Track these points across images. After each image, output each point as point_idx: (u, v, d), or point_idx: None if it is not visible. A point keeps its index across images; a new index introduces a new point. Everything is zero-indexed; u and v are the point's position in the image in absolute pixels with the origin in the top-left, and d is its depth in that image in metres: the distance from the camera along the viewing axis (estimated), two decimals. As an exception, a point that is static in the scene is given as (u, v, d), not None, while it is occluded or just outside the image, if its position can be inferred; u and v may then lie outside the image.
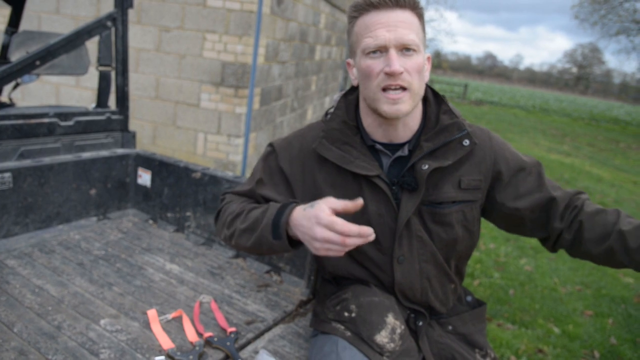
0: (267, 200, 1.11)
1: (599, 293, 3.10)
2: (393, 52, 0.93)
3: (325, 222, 0.85)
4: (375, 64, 0.94)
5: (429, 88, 1.08)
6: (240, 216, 1.07)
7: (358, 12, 0.96)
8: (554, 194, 1.03)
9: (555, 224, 1.02)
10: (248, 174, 4.39)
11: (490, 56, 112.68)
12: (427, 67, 1.03)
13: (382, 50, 0.94)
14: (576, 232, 1.00)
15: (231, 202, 1.15)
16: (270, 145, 1.14)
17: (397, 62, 0.92)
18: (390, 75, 0.92)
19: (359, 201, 0.88)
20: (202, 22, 4.03)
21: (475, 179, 1.02)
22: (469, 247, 1.08)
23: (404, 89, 0.94)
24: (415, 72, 0.94)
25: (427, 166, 0.99)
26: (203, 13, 4.01)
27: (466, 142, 1.00)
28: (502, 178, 1.04)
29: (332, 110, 1.10)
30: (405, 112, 0.95)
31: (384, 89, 0.94)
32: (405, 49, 0.93)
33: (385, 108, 0.95)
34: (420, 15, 0.97)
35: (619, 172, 8.00)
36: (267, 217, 0.98)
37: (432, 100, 1.06)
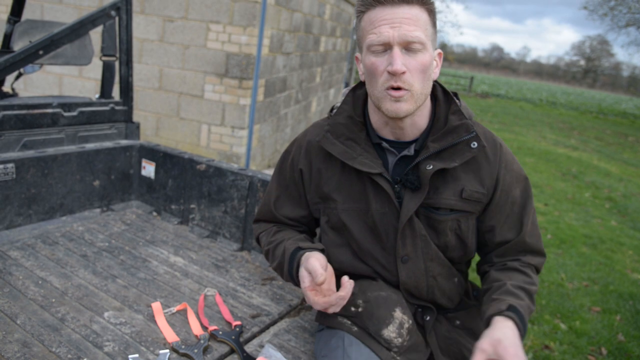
0: (289, 218, 1.19)
1: (606, 289, 3.07)
2: (397, 50, 0.90)
3: (308, 298, 0.99)
4: (379, 62, 0.92)
5: (439, 86, 1.05)
6: (268, 255, 1.18)
7: (364, 6, 0.94)
8: (508, 238, 1.04)
9: (485, 259, 1.11)
10: (252, 167, 4.38)
11: (496, 48, 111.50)
12: (438, 63, 1.00)
13: (386, 47, 0.91)
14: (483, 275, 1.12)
15: (261, 234, 1.24)
16: (284, 152, 1.19)
17: (400, 61, 0.89)
18: (392, 74, 0.90)
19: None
20: (206, 12, 3.98)
21: (479, 191, 1.00)
22: (461, 257, 1.06)
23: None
24: (418, 72, 0.92)
25: (431, 166, 0.97)
26: (207, 3, 3.96)
27: (474, 145, 0.97)
28: (493, 198, 1.02)
29: (338, 104, 1.08)
30: (406, 112, 0.94)
31: (388, 88, 0.93)
32: (410, 46, 0.90)
33: (388, 106, 0.94)
34: (430, 11, 0.94)
35: (628, 166, 7.91)
36: (285, 270, 1.10)
37: (442, 99, 1.04)
